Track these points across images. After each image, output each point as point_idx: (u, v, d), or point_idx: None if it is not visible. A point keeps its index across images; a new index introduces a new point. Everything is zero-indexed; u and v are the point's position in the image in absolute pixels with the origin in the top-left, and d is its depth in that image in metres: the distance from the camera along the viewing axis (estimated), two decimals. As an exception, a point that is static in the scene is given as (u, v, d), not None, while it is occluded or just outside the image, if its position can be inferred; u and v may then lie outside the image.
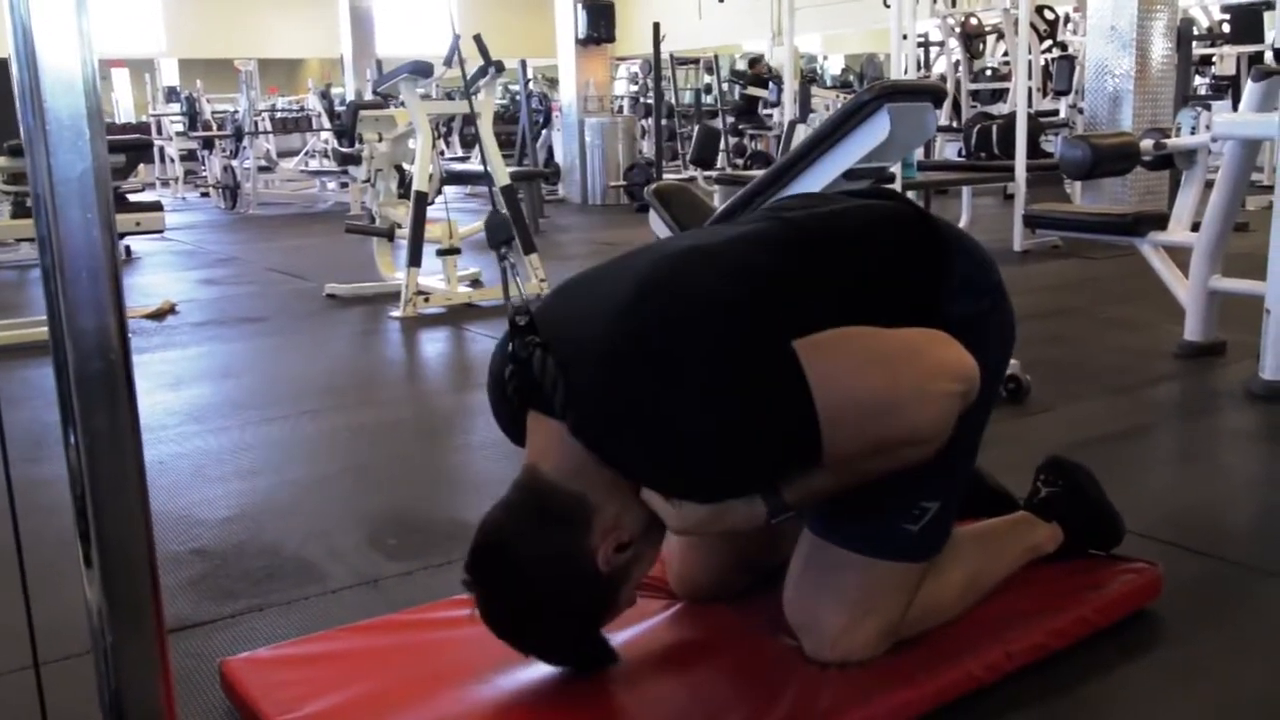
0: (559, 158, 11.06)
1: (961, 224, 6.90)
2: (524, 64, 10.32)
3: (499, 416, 1.55)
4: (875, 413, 1.38)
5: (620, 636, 1.62)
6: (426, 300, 5.03)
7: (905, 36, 7.36)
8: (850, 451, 1.39)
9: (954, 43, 9.60)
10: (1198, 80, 10.02)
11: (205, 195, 12.07)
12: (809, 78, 12.24)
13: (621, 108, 13.24)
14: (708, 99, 13.43)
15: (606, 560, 1.41)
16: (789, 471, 1.41)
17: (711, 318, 1.37)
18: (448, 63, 5.03)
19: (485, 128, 5.24)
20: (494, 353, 1.53)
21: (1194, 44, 8.75)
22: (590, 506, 1.40)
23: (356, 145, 6.13)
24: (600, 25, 10.79)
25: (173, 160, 12.78)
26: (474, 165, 8.70)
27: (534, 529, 1.42)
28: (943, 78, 9.96)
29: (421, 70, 5.10)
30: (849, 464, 1.41)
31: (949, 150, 8.46)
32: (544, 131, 11.20)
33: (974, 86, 9.44)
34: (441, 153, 10.31)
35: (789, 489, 1.41)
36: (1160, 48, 6.86)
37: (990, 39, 10.07)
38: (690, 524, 1.43)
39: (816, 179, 2.28)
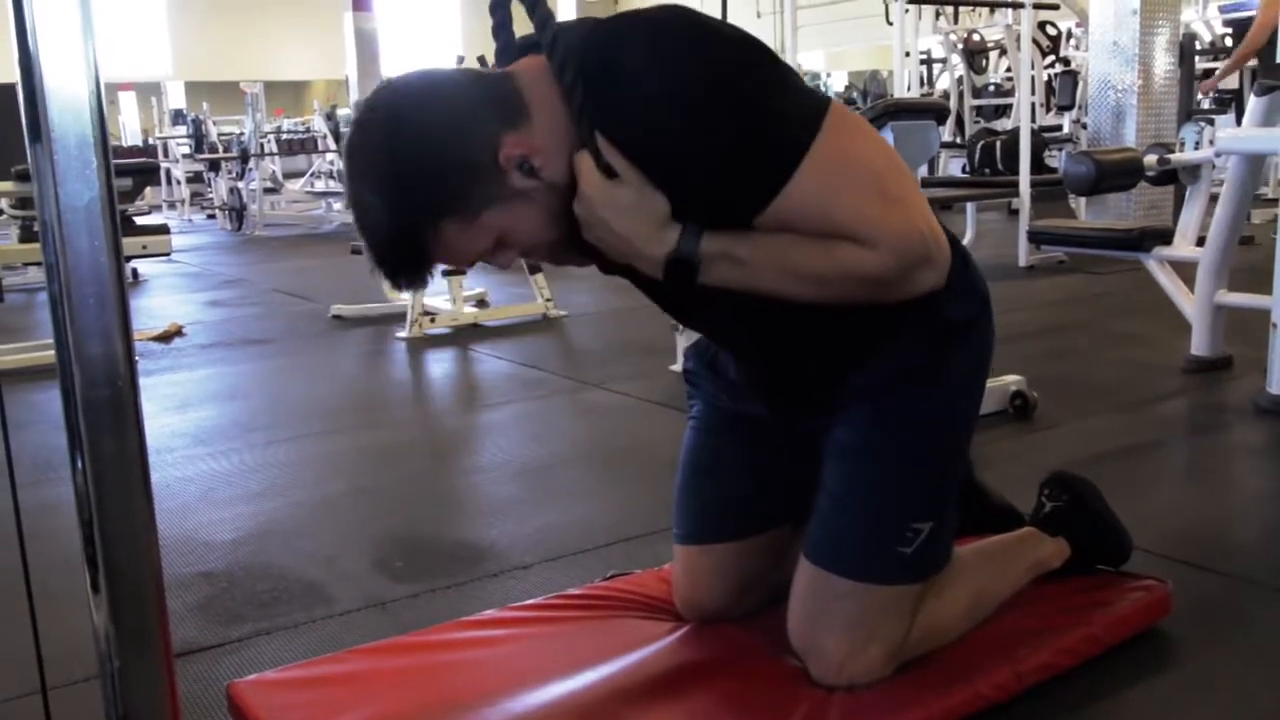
0: (564, 177, 11.06)
1: (966, 240, 6.91)
2: (528, 84, 10.34)
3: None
4: (855, 182, 1.31)
5: (626, 659, 1.62)
6: (432, 321, 5.04)
7: (908, 53, 7.40)
8: (804, 212, 1.30)
9: (957, 59, 9.63)
10: (1200, 95, 10.03)
11: (211, 217, 12.12)
12: (812, 95, 12.23)
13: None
14: (712, 117, 13.41)
15: (508, 159, 1.28)
16: (728, 209, 1.32)
17: (746, 36, 1.33)
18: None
19: (490, 148, 5.25)
20: None
21: (1197, 58, 8.76)
22: (527, 113, 1.30)
23: (362, 167, 6.15)
24: (604, 45, 10.81)
25: (179, 182, 12.84)
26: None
27: (457, 83, 1.33)
28: (946, 94, 9.99)
29: (427, 92, 5.11)
30: (785, 247, 1.32)
31: (953, 166, 8.48)
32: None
33: (977, 102, 9.47)
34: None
35: (710, 237, 1.32)
36: (1163, 62, 6.88)
37: (993, 55, 10.10)
38: (599, 202, 1.29)
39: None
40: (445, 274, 5.19)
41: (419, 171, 1.26)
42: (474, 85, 1.33)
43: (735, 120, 1.27)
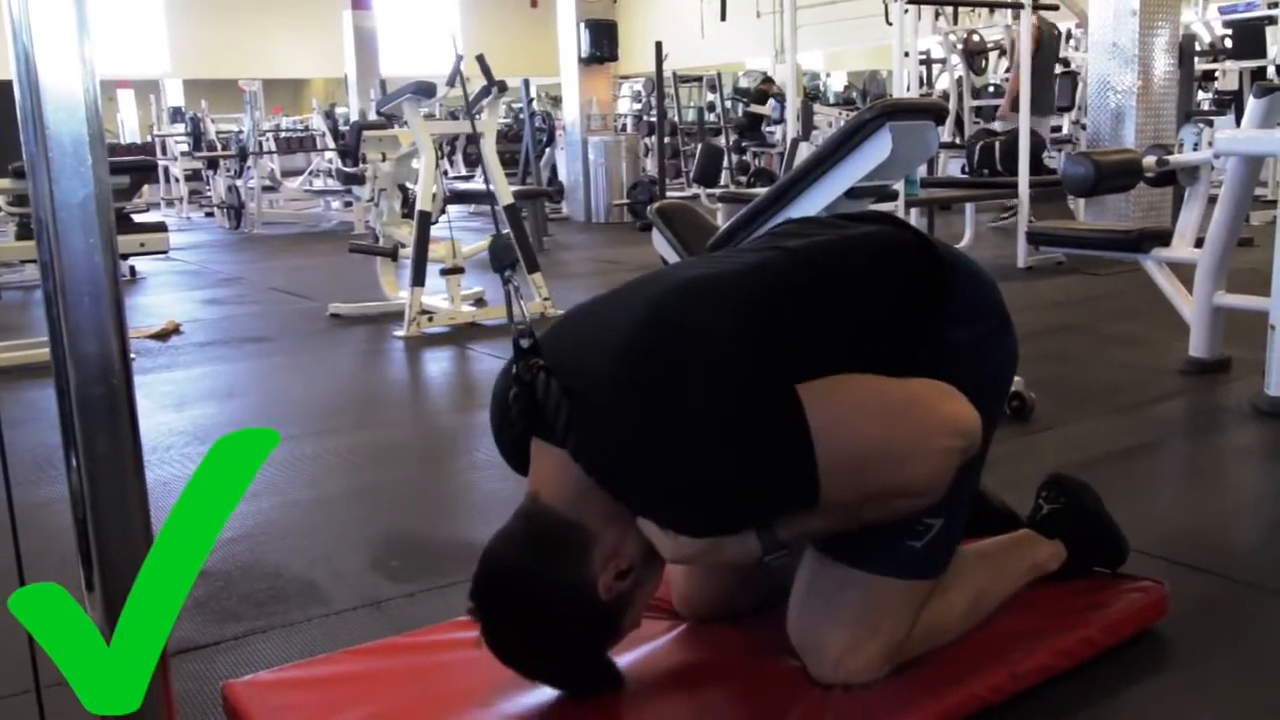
0: (562, 176, 11.09)
1: (965, 241, 6.92)
2: (527, 83, 10.37)
3: (501, 443, 1.56)
4: (873, 464, 1.40)
5: (624, 658, 1.61)
6: (430, 319, 5.04)
7: (907, 54, 7.39)
8: (846, 499, 1.40)
9: (956, 59, 9.62)
10: (1200, 96, 10.04)
11: (210, 215, 12.11)
12: (812, 95, 12.27)
13: (625, 126, 13.28)
14: (710, 117, 13.45)
15: (607, 588, 1.42)
16: (785, 512, 1.41)
17: (717, 355, 1.38)
18: (450, 83, 5.06)
19: (488, 147, 5.26)
20: (498, 377, 1.53)
21: (1196, 60, 8.77)
22: (589, 534, 1.41)
23: (360, 165, 6.16)
24: (603, 44, 10.83)
25: (177, 180, 12.83)
26: (477, 184, 8.73)
27: (534, 559, 1.43)
28: (945, 95, 9.98)
29: (424, 90, 5.12)
30: (844, 510, 1.42)
31: (952, 167, 8.47)
32: (547, 150, 11.23)
33: (976, 103, 9.46)
34: (445, 172, 10.36)
35: (783, 527, 1.42)
36: (1162, 64, 6.88)
37: (992, 55, 10.09)
38: (684, 555, 1.44)
39: (819, 198, 2.28)
40: (443, 273, 5.19)
41: (569, 652, 1.48)
42: (542, 557, 1.42)
43: (748, 493, 1.36)
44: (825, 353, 1.44)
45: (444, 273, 5.19)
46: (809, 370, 1.39)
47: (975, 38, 9.48)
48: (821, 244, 1.61)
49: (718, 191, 8.77)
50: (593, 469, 1.38)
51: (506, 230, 5.03)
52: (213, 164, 11.56)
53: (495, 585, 1.44)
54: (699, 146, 10.47)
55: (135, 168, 6.31)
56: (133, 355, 1.06)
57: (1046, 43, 7.65)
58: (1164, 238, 3.86)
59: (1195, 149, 3.89)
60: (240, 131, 12.09)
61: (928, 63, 12.55)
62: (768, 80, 11.04)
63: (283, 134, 13.10)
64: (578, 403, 1.37)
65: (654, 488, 1.37)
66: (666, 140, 10.18)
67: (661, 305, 1.45)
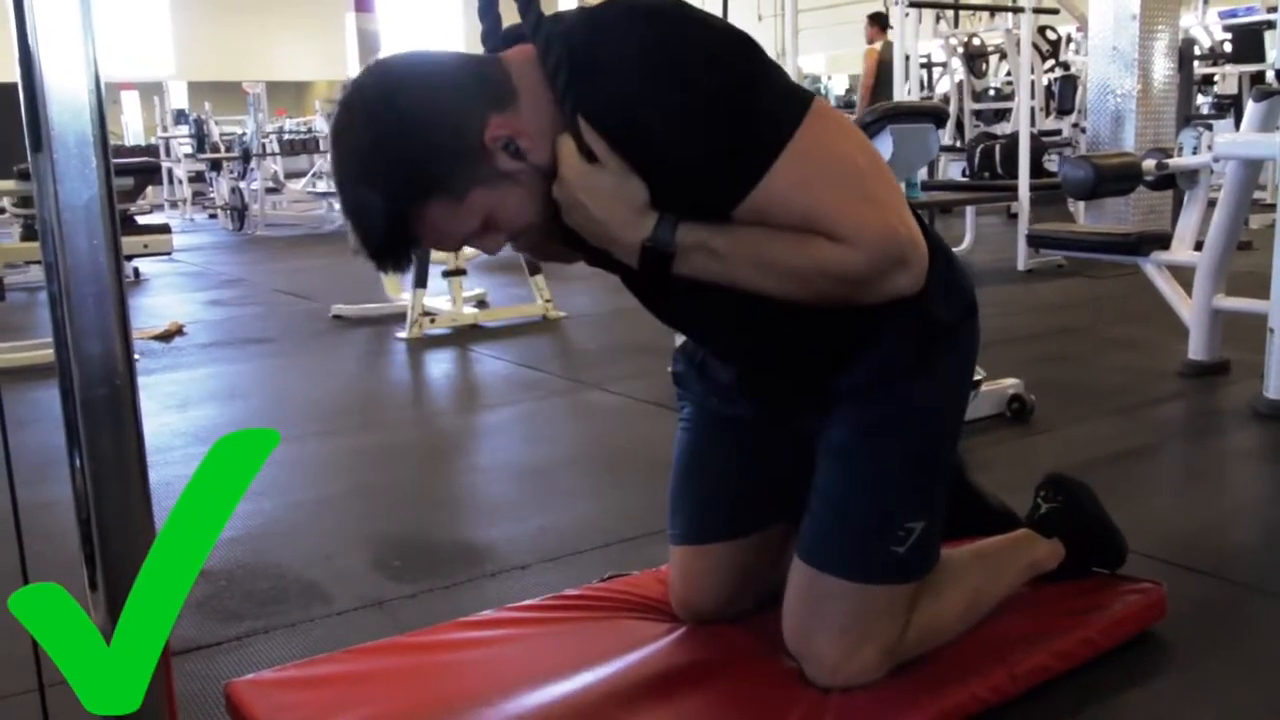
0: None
1: (965, 243, 6.92)
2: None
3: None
4: (834, 179, 1.31)
5: (623, 660, 1.62)
6: (432, 321, 5.04)
7: (908, 57, 7.40)
8: (782, 205, 1.30)
9: (957, 63, 9.62)
10: (1200, 100, 10.04)
11: (213, 217, 12.11)
12: (813, 98, 12.22)
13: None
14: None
15: (494, 140, 1.29)
16: (707, 200, 1.32)
17: (722, 32, 1.33)
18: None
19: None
20: None
21: (1196, 64, 8.77)
22: (514, 97, 1.31)
23: (362, 167, 6.15)
24: (605, 47, 10.82)
25: (181, 182, 12.84)
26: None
27: (445, 63, 1.33)
28: (946, 98, 9.98)
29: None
30: (761, 240, 1.32)
31: (953, 170, 8.48)
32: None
33: (977, 106, 9.46)
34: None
35: (687, 227, 1.32)
36: (1162, 68, 6.89)
37: (993, 59, 10.09)
38: (577, 185, 1.30)
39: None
40: (445, 275, 5.19)
41: (404, 151, 1.26)
42: (462, 66, 1.33)
43: (715, 110, 1.27)
44: None
45: (446, 275, 5.19)
46: None
47: (976, 41, 9.49)
48: None
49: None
50: (550, 48, 1.29)
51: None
52: (216, 166, 11.56)
53: (384, 65, 1.33)
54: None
55: (139, 169, 6.35)
56: (136, 356, 1.07)
57: (890, 64, 7.97)
58: (1163, 241, 3.86)
59: (1195, 153, 3.88)
60: (244, 134, 12.10)
61: (929, 66, 12.55)
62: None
63: (286, 136, 13.10)
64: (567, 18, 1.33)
65: (612, 75, 1.28)
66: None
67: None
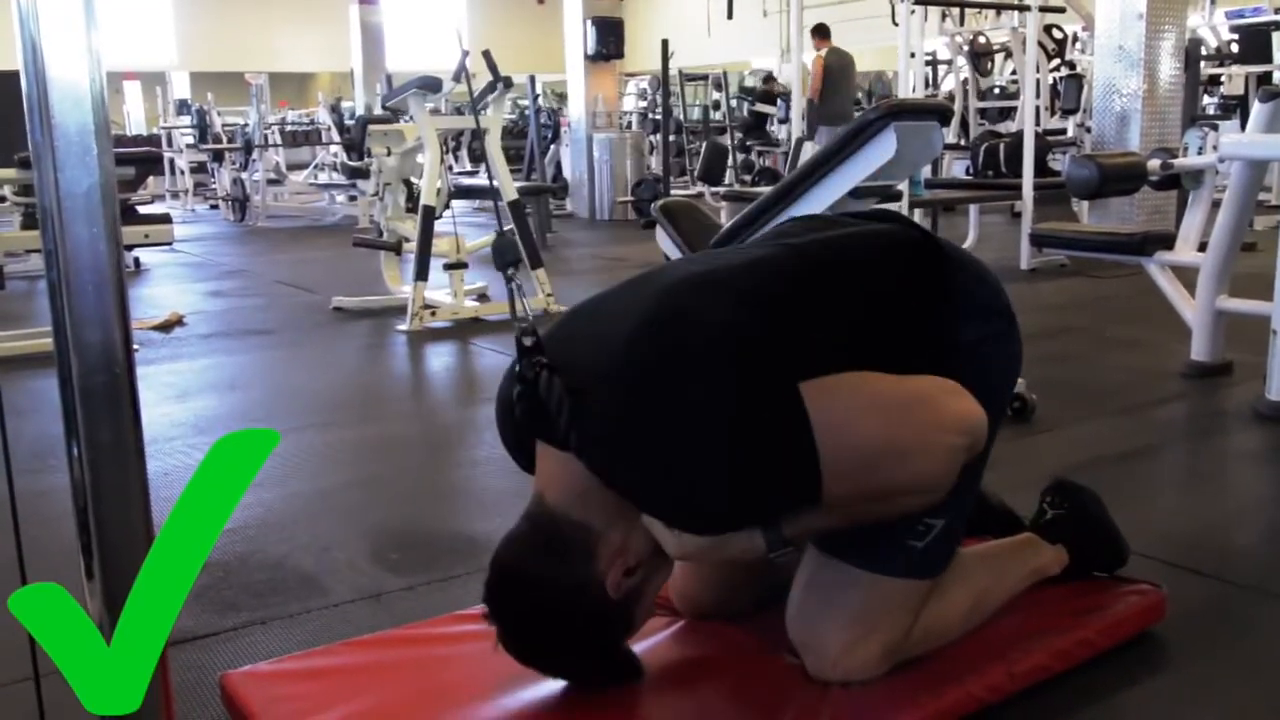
0: (567, 173, 11.09)
1: (969, 242, 6.91)
2: (533, 79, 10.36)
3: (505, 439, 1.56)
4: (877, 461, 1.39)
5: (622, 654, 1.62)
6: (433, 314, 5.04)
7: (913, 55, 7.39)
8: (850, 496, 1.40)
9: (962, 61, 9.61)
10: (1206, 100, 10.02)
11: (214, 207, 12.11)
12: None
13: (630, 123, 13.27)
14: (716, 115, 13.44)
15: (615, 585, 1.43)
16: (789, 509, 1.41)
17: (721, 351, 1.38)
18: (456, 78, 5.06)
19: (493, 143, 5.26)
20: (504, 376, 1.54)
21: (1202, 64, 8.75)
22: (595, 533, 1.42)
23: (365, 159, 6.16)
24: (609, 41, 10.83)
25: (183, 172, 12.83)
26: (482, 180, 8.73)
27: (541, 563, 1.44)
28: (951, 96, 9.97)
29: (430, 85, 5.12)
30: (849, 507, 1.42)
31: (957, 168, 8.47)
32: (552, 147, 11.23)
33: (982, 105, 9.46)
34: (450, 167, 10.36)
35: (788, 524, 1.42)
36: (1168, 67, 6.87)
37: (998, 57, 10.08)
38: (689, 552, 1.44)
39: (823, 197, 2.28)
40: (446, 267, 5.19)
41: (586, 651, 1.50)
42: (550, 559, 1.43)
43: (751, 490, 1.36)
44: (829, 348, 1.44)
45: (447, 267, 5.19)
46: (813, 365, 1.39)
47: (981, 39, 9.48)
48: (825, 240, 1.61)
49: (722, 190, 8.77)
50: (595, 467, 1.38)
51: (510, 227, 5.02)
52: (218, 157, 11.56)
53: (506, 591, 1.46)
54: (704, 145, 10.46)
55: (140, 159, 6.33)
56: (136, 346, 1.06)
57: (838, 69, 8.72)
58: (1167, 241, 3.85)
59: (1200, 153, 3.87)
60: (246, 124, 12.08)
61: (934, 64, 12.53)
62: (770, 79, 11.04)
63: (288, 127, 13.10)
64: (580, 400, 1.37)
65: (656, 485, 1.37)
66: (671, 138, 10.17)
67: (663, 300, 1.45)
